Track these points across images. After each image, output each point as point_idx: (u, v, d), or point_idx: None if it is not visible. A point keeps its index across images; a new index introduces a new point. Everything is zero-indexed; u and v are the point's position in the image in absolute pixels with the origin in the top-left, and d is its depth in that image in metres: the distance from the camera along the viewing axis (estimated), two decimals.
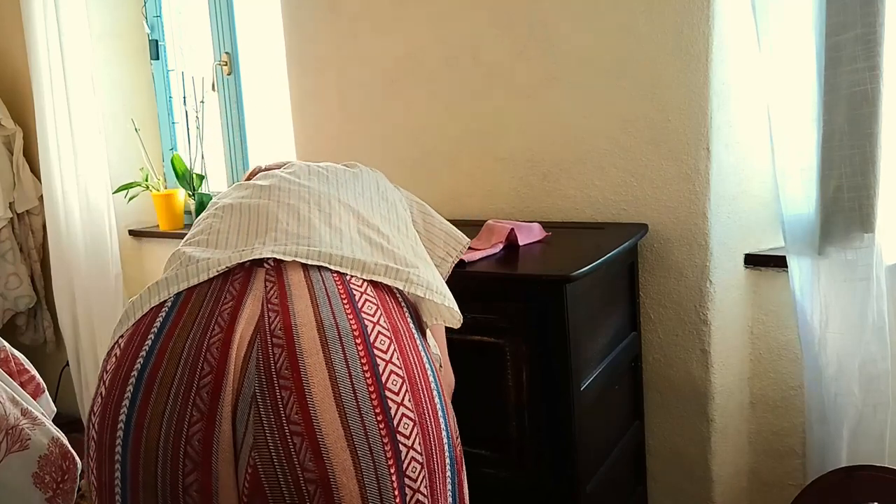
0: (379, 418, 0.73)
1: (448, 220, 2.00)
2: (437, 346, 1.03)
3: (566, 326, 1.30)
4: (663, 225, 1.66)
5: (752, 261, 1.69)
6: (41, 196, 2.75)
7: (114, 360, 0.79)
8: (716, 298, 1.65)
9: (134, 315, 0.81)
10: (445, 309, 0.94)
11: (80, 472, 1.38)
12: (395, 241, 0.95)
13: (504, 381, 1.37)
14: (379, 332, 0.78)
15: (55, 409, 1.53)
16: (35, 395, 1.50)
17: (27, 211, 2.85)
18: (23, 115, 2.81)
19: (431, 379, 0.82)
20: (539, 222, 1.64)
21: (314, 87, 2.10)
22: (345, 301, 0.79)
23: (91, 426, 0.78)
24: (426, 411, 0.78)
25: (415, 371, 0.79)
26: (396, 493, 0.74)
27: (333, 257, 0.83)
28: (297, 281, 0.80)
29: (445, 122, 1.91)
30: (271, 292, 0.78)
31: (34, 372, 1.56)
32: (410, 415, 0.76)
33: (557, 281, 1.29)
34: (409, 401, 0.76)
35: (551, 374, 1.32)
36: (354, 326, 0.77)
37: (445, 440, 0.81)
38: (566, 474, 1.35)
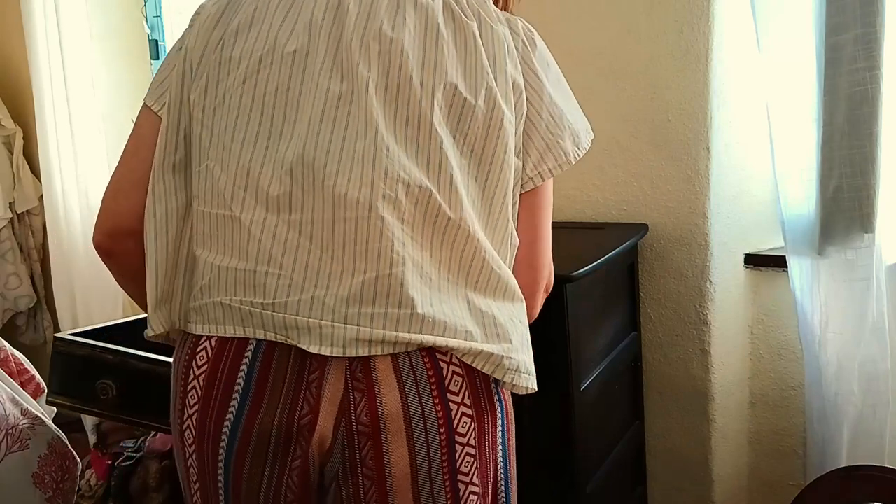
0: (448, 498, 0.77)
1: None
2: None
3: (566, 326, 1.30)
4: (663, 225, 1.66)
5: (752, 261, 1.69)
6: (41, 196, 2.75)
7: (195, 396, 0.78)
8: (716, 298, 1.65)
9: (208, 325, 0.78)
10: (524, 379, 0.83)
11: (79, 471, 1.38)
12: (492, 282, 0.81)
13: None
14: (462, 413, 0.77)
15: (55, 409, 1.53)
16: (35, 395, 1.50)
17: (27, 211, 2.85)
18: (23, 115, 2.81)
19: (500, 453, 0.82)
20: None
21: None
22: (433, 383, 0.75)
23: (187, 452, 0.80)
24: (488, 483, 0.81)
25: (486, 450, 0.80)
26: None
27: (426, 341, 0.74)
28: (381, 361, 0.75)
29: None
30: (355, 366, 0.74)
31: (34, 372, 1.56)
32: (476, 490, 0.79)
33: (557, 281, 1.29)
34: (477, 477, 0.79)
35: (551, 375, 1.32)
36: (440, 412, 0.76)
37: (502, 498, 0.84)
38: (566, 474, 1.35)
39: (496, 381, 0.80)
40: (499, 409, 0.81)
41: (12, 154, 2.81)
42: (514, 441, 0.86)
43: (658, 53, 1.60)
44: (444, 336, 0.75)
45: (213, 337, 0.78)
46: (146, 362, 1.30)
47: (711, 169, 1.59)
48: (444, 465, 0.76)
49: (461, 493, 0.77)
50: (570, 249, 1.49)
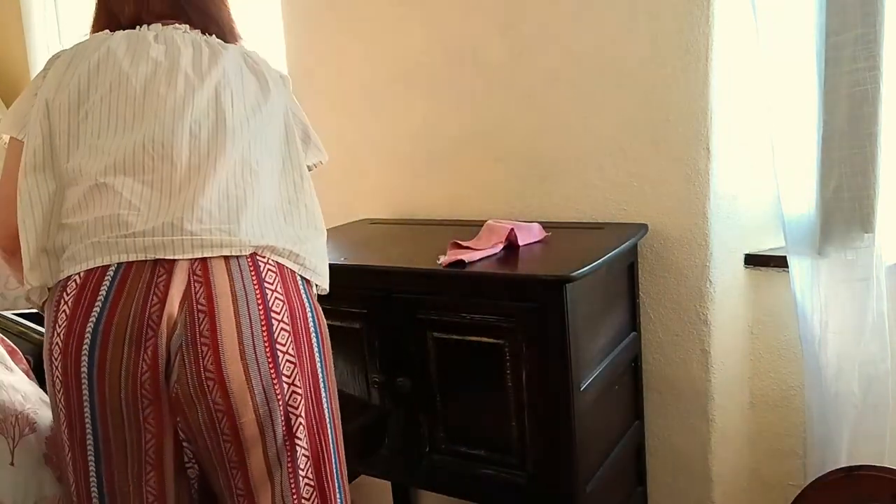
0: (270, 366, 1.04)
1: (448, 221, 2.00)
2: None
3: (566, 326, 1.30)
4: (663, 225, 1.66)
5: (752, 261, 1.69)
6: None
7: (64, 316, 1.04)
8: (716, 298, 1.65)
9: (79, 265, 1.05)
10: (317, 277, 1.19)
11: None
12: (297, 211, 1.17)
13: (504, 382, 1.37)
14: (276, 297, 1.07)
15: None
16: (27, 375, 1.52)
17: None
18: None
19: (312, 331, 1.12)
20: (539, 222, 1.64)
21: (314, 87, 2.10)
22: (253, 274, 1.06)
23: (54, 366, 1.05)
24: (304, 354, 1.10)
25: (299, 326, 1.09)
26: (284, 425, 1.06)
27: (247, 247, 1.07)
28: (216, 261, 1.05)
29: (445, 122, 1.91)
30: (196, 266, 1.04)
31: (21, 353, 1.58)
32: (292, 360, 1.07)
33: (557, 281, 1.29)
34: (292, 348, 1.07)
35: (551, 375, 1.33)
36: (258, 293, 1.05)
37: (320, 374, 1.13)
38: (566, 474, 1.35)
39: (304, 281, 1.14)
40: (307, 302, 1.13)
41: None
42: (328, 342, 1.17)
43: (658, 53, 1.60)
44: (258, 241, 1.08)
45: (80, 272, 1.04)
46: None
47: (711, 169, 1.59)
48: (264, 333, 1.04)
49: (280, 360, 1.05)
50: (570, 249, 1.49)
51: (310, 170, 1.27)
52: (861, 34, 1.36)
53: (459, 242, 1.51)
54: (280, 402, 1.05)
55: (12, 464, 1.26)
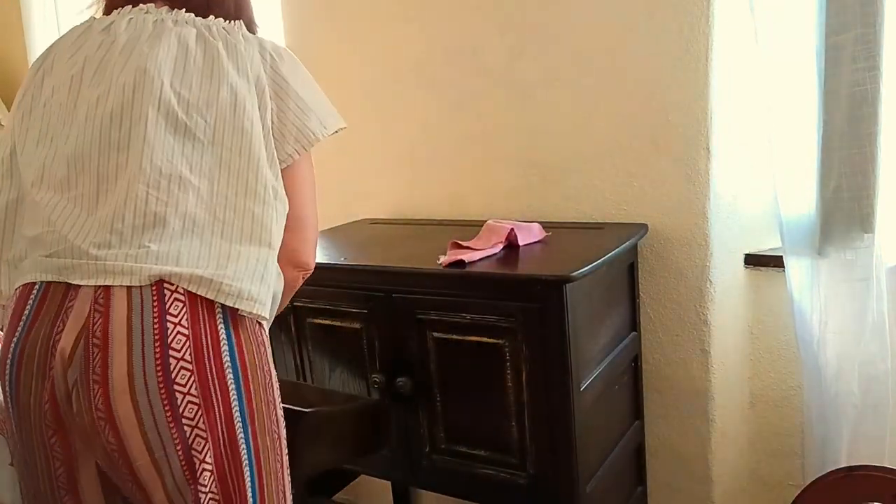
0: (166, 407, 0.94)
1: (448, 221, 1.99)
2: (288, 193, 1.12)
3: (566, 326, 1.30)
4: (663, 225, 1.66)
5: (752, 261, 1.69)
6: None
7: (2, 330, 1.03)
8: (716, 298, 1.65)
9: (20, 279, 1.03)
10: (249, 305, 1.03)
11: None
12: (239, 222, 1.02)
13: (504, 381, 1.37)
14: (178, 332, 0.95)
15: None
16: None
17: None
18: None
19: (228, 368, 0.99)
20: (539, 222, 1.64)
21: None
22: (155, 305, 0.95)
23: None
24: (213, 395, 0.97)
25: (207, 363, 0.97)
26: (186, 470, 0.96)
27: (151, 276, 0.96)
28: (119, 290, 0.96)
29: (445, 122, 1.91)
30: (99, 294, 0.96)
31: None
32: (195, 401, 0.95)
33: (557, 281, 1.29)
34: (196, 389, 0.95)
35: (551, 374, 1.33)
36: (157, 329, 0.94)
37: (237, 415, 1.00)
38: (566, 474, 1.35)
39: (225, 309, 0.99)
40: (223, 335, 0.99)
41: None
42: (258, 375, 1.02)
43: (658, 53, 1.60)
44: (168, 266, 0.96)
45: (18, 287, 1.02)
46: None
47: (711, 169, 1.59)
48: (159, 373, 0.93)
49: (179, 402, 0.95)
50: (570, 249, 1.49)
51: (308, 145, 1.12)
52: (861, 34, 1.36)
53: (459, 242, 1.51)
54: (179, 447, 0.95)
55: (12, 464, 1.26)
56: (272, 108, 1.08)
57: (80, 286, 0.96)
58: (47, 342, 0.96)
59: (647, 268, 1.70)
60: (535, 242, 1.55)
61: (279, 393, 1.08)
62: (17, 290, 1.02)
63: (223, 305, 0.98)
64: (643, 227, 1.64)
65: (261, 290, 1.02)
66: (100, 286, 0.95)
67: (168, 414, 0.94)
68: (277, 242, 1.06)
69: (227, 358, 0.99)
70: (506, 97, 1.81)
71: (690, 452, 1.73)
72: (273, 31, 2.23)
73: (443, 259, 1.42)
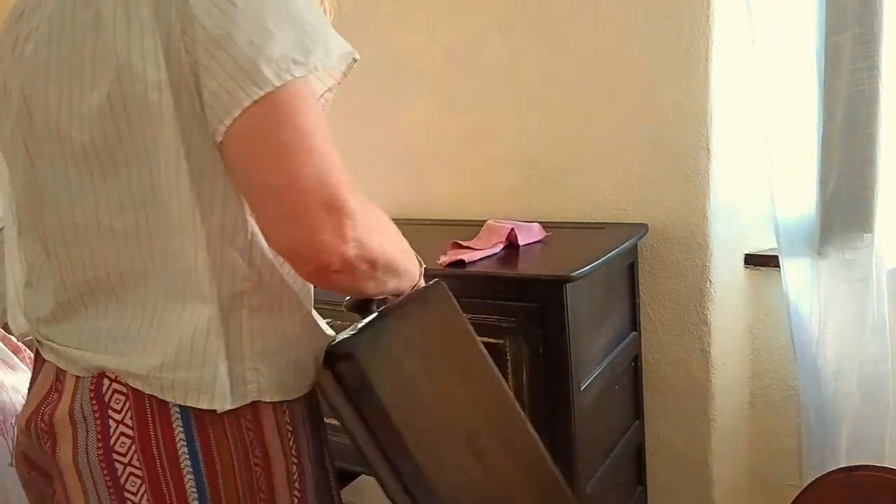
0: None
1: (448, 221, 1.98)
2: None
3: (566, 326, 1.30)
4: (663, 225, 1.66)
5: (752, 261, 1.69)
6: None
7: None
8: (716, 298, 1.65)
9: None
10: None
11: None
12: (158, 279, 0.74)
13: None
14: (121, 433, 0.74)
15: None
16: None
17: None
18: None
19: (188, 471, 0.75)
20: (539, 222, 1.64)
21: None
22: (93, 398, 0.75)
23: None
24: (170, 500, 0.75)
25: (160, 467, 0.75)
26: None
27: (88, 362, 0.77)
28: (70, 374, 0.79)
29: (445, 122, 1.92)
30: (61, 375, 0.79)
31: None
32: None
33: (557, 281, 1.29)
34: (148, 498, 0.75)
35: (551, 374, 1.33)
36: (100, 426, 0.75)
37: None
38: (566, 474, 1.35)
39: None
40: (179, 432, 0.74)
41: None
42: (227, 472, 0.76)
43: (658, 53, 1.61)
44: (101, 362, 0.75)
45: None
46: None
47: (711, 169, 1.59)
48: (107, 479, 0.75)
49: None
50: (570, 249, 1.49)
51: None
52: (860, 34, 1.36)
53: (459, 242, 1.51)
54: None
55: (12, 464, 1.26)
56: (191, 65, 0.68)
57: (45, 359, 0.81)
58: (28, 422, 0.82)
59: (647, 268, 1.70)
60: (535, 242, 1.56)
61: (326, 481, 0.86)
62: None
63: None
64: (643, 227, 1.65)
65: (218, 370, 0.73)
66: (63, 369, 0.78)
67: None
68: (219, 287, 0.73)
69: (187, 462, 0.75)
70: (506, 97, 1.81)
71: (690, 452, 1.73)
72: None
73: (443, 259, 1.42)
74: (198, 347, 0.73)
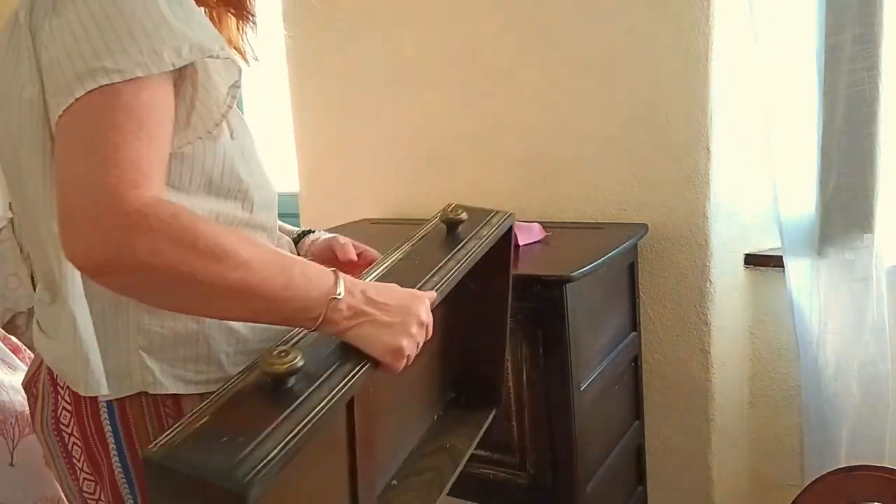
0: (70, 474, 0.88)
1: None
2: None
3: (566, 326, 1.30)
4: (663, 225, 1.66)
5: (752, 261, 1.69)
6: None
7: None
8: (716, 298, 1.65)
9: None
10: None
11: None
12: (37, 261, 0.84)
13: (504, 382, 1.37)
14: (63, 407, 0.84)
15: None
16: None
17: None
18: None
19: (114, 451, 0.82)
20: (539, 222, 1.64)
21: (314, 89, 2.10)
22: (49, 371, 0.86)
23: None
24: (103, 476, 0.84)
25: (94, 445, 0.83)
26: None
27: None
28: None
29: (446, 122, 1.92)
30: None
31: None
32: (90, 477, 0.86)
33: (557, 281, 1.29)
34: (88, 466, 0.85)
35: (551, 374, 1.33)
36: (53, 397, 0.85)
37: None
38: (566, 474, 1.35)
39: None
40: (102, 409, 0.80)
41: None
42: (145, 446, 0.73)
43: (658, 53, 1.61)
44: (46, 338, 0.87)
45: None
46: None
47: (711, 169, 1.59)
48: (60, 446, 0.86)
49: (78, 475, 0.87)
50: (570, 249, 1.49)
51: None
52: (860, 34, 1.37)
53: None
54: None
55: (12, 464, 1.27)
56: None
57: None
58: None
59: (647, 268, 1.70)
60: (535, 242, 1.56)
61: None
62: None
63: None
64: (643, 227, 1.64)
65: (90, 362, 0.77)
66: None
67: (75, 485, 0.89)
68: (71, 279, 0.77)
69: (112, 439, 0.82)
70: (506, 97, 1.81)
71: (690, 452, 1.73)
72: (273, 32, 2.23)
73: None
74: (80, 339, 0.77)
